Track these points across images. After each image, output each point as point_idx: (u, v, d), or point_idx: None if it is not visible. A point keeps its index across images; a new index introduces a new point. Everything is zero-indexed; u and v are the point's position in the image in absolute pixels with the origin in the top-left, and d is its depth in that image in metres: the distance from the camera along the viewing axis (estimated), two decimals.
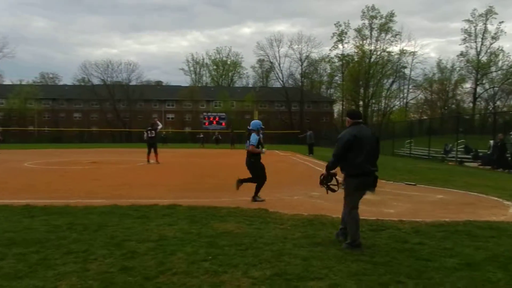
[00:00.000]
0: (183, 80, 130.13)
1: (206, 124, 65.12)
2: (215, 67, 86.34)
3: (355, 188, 4.95)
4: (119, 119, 69.33)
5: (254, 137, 8.14)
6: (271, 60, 73.11)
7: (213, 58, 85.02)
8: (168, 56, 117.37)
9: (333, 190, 5.30)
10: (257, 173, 8.30)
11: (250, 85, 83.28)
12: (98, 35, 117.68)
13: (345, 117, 5.33)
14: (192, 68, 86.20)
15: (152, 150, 18.06)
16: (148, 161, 17.92)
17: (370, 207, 7.72)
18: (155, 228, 5.67)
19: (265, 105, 72.70)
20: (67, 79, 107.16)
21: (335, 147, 5.03)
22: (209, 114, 66.76)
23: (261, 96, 71.51)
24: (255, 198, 8.20)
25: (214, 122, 64.96)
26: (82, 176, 13.04)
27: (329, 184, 5.28)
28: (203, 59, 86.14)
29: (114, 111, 68.83)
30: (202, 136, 46.80)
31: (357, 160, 4.84)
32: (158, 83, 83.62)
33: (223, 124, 65.19)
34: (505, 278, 3.88)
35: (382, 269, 4.09)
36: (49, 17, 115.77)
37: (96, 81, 70.53)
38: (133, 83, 71.61)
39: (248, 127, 8.47)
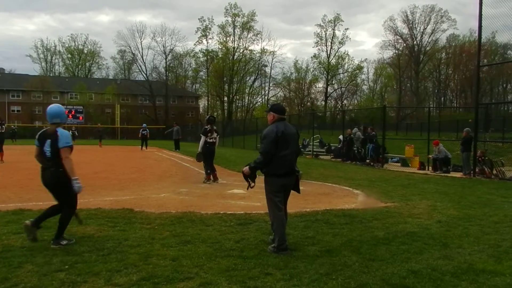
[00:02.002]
0: (31, 69, 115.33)
1: None
2: (69, 55, 78.89)
3: (278, 189, 4.66)
4: None
5: None
6: (133, 52, 69.83)
7: (67, 45, 77.69)
8: (11, 40, 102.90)
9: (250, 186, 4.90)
10: None
11: (111, 77, 78.34)
12: None
13: (268, 111, 4.86)
14: (42, 56, 77.38)
15: None
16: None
17: (237, 201, 7.89)
18: None
19: (127, 99, 69.28)
20: None
21: (262, 144, 4.66)
22: (64, 107, 60.77)
23: (123, 89, 67.83)
24: None
25: (70, 116, 59.64)
26: None
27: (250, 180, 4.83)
28: (55, 46, 78.08)
29: None
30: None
31: (283, 159, 4.56)
32: (0, 71, 73.25)
33: (81, 118, 60.37)
34: (358, 260, 4.27)
35: (251, 262, 4.15)
36: None
37: None
38: None
39: None
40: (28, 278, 3.65)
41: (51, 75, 74.40)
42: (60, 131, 4.82)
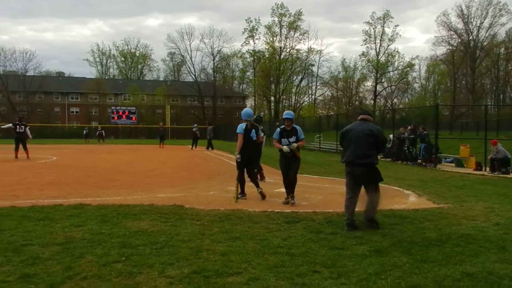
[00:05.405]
0: (88, 72, 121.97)
1: (115, 118, 62.18)
2: (123, 58, 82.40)
3: (346, 173, 5.80)
4: (16, 113, 62.87)
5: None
6: (183, 54, 71.78)
7: (120, 49, 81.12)
8: (68, 45, 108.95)
9: None
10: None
11: (161, 79, 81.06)
12: None
13: None
14: (98, 59, 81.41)
15: (21, 146, 17.28)
16: (16, 157, 17.11)
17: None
18: (60, 230, 5.21)
19: (177, 100, 71.24)
20: None
21: None
22: (118, 108, 63.74)
23: (173, 90, 69.90)
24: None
25: (124, 116, 62.28)
26: None
27: None
28: (110, 50, 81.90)
29: (9, 103, 62.17)
30: (87, 131, 43.02)
31: (345, 151, 5.77)
32: (60, 74, 77.66)
33: (133, 118, 62.78)
34: (409, 261, 4.17)
35: (299, 260, 4.17)
36: None
37: None
38: (30, 73, 64.99)
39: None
40: (89, 267, 3.88)
41: (106, 77, 77.90)
42: (257, 126, 8.31)
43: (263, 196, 7.85)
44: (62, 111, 68.29)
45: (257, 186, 8.02)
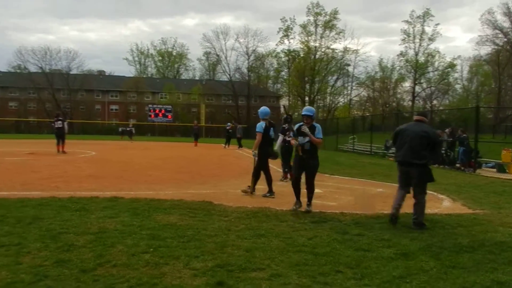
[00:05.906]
0: (127, 71, 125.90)
1: (152, 116, 63.63)
2: (160, 58, 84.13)
3: (398, 171, 6.03)
4: (59, 109, 65.67)
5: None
6: (218, 53, 72.33)
7: (158, 48, 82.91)
8: (109, 45, 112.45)
9: None
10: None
11: (197, 78, 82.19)
12: (33, 19, 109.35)
13: None
14: (136, 58, 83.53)
15: (60, 140, 18.25)
16: (58, 151, 18.08)
17: (313, 200, 7.88)
18: (94, 220, 5.45)
19: (212, 99, 72.01)
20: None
21: None
22: (155, 106, 65.20)
23: (208, 89, 70.74)
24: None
25: (160, 114, 63.62)
26: (18, 167, 12.24)
27: None
28: (148, 49, 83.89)
29: (54, 100, 64.94)
30: (123, 128, 43.97)
31: (397, 150, 6.03)
32: (101, 73, 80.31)
33: (169, 116, 63.99)
34: (436, 266, 4.09)
35: (322, 259, 4.17)
36: None
37: (33, 69, 65.97)
38: (73, 72, 67.57)
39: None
40: (119, 256, 4.06)
41: (144, 76, 79.80)
42: (275, 124, 8.62)
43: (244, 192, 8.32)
44: (102, 108, 70.61)
45: (254, 184, 8.38)
